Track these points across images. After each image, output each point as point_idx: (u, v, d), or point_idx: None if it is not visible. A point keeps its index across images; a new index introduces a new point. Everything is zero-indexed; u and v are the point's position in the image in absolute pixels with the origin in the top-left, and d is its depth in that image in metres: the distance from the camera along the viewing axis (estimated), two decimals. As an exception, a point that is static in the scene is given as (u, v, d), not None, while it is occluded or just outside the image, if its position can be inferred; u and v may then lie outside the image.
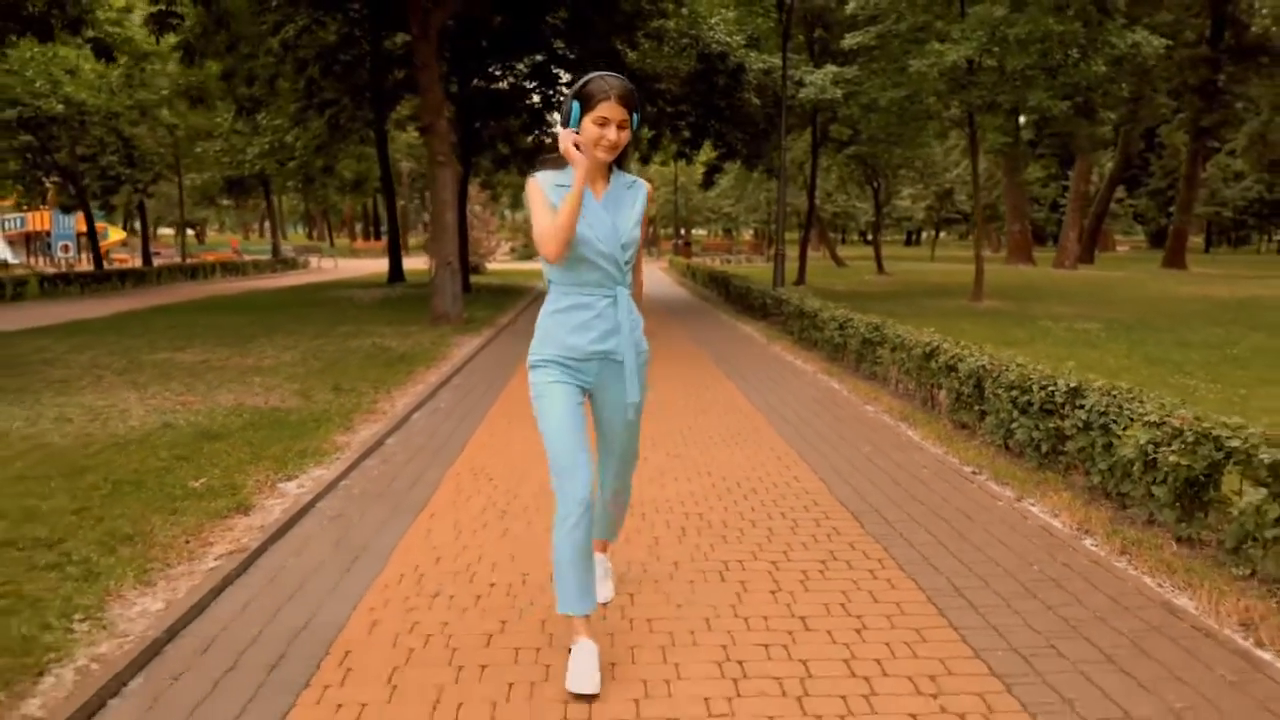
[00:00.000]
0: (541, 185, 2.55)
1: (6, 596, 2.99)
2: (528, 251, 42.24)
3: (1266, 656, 2.73)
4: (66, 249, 37.42)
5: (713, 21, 16.54)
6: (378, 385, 7.29)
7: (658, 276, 27.89)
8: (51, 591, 3.05)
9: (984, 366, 5.60)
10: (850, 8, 15.99)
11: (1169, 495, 3.76)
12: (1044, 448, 4.86)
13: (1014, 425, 5.14)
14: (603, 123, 2.47)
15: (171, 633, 2.83)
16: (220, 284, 23.81)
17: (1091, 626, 2.93)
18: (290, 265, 32.45)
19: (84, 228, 40.49)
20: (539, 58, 18.77)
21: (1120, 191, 52.51)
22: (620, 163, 2.65)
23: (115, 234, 44.58)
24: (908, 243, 77.26)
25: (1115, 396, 4.31)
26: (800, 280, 20.62)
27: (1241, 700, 2.46)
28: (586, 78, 2.53)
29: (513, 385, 7.56)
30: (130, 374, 7.89)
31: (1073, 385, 4.62)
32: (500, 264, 35.40)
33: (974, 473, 4.89)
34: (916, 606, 3.10)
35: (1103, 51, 14.71)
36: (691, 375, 8.20)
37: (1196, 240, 70.45)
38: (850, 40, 15.90)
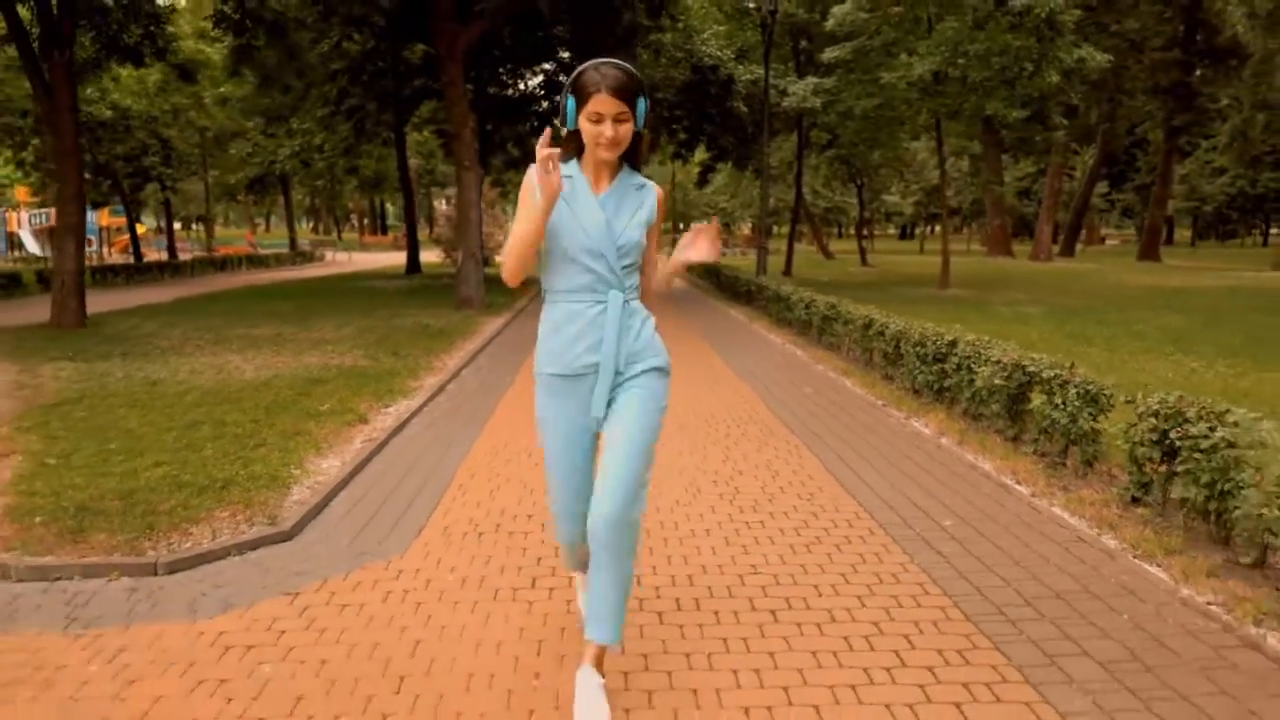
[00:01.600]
0: (534, 179, 2.22)
1: (244, 460, 4.78)
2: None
3: (1019, 489, 4.52)
4: (90, 243, 39.13)
5: (705, 36, 18.29)
6: (428, 351, 9.07)
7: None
8: (267, 458, 4.83)
9: (901, 330, 7.38)
10: (830, 25, 17.72)
11: (1000, 408, 5.55)
12: (935, 386, 6.65)
13: (917, 372, 6.93)
14: (597, 119, 2.25)
15: (349, 475, 4.61)
16: (248, 275, 25.56)
17: (925, 475, 4.73)
18: (307, 258, 34.19)
19: (105, 222, 42.04)
20: (547, 66, 20.51)
21: (1104, 186, 54.25)
22: (633, 159, 2.41)
23: (141, 227, 46.40)
24: (902, 237, 79.12)
25: (975, 345, 6.09)
26: (787, 271, 22.40)
27: (999, 510, 4.26)
28: (580, 68, 2.29)
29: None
30: (222, 344, 9.67)
31: (950, 339, 6.41)
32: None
33: (883, 405, 6.69)
34: (816, 471, 4.89)
35: (1054, 64, 16.45)
36: (680, 349, 9.97)
37: (1185, 234, 72.33)
38: (829, 54, 17.67)
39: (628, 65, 2.30)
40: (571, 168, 2.38)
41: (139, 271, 22.60)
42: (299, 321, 11.98)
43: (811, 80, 18.29)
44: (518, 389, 7.27)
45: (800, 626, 2.95)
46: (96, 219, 38.94)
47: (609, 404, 2.43)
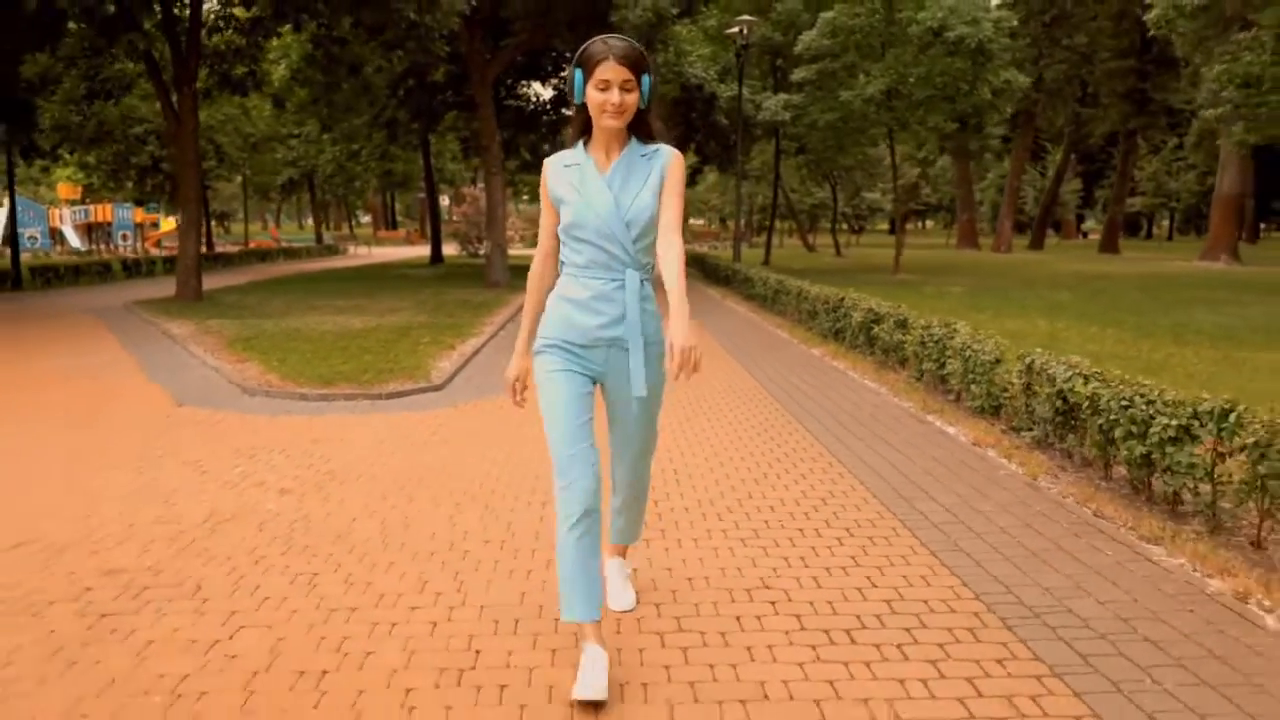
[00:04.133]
0: (547, 172, 2.46)
1: (394, 361, 7.90)
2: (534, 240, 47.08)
3: (854, 375, 7.66)
4: (125, 237, 42.27)
5: (692, 58, 21.38)
6: (476, 314, 12.20)
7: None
8: (407, 360, 7.95)
9: (815, 294, 10.51)
10: (798, 49, 20.82)
11: (863, 338, 8.68)
12: (832, 330, 9.77)
13: (824, 321, 10.06)
14: (604, 86, 2.29)
15: (458, 368, 7.75)
16: (287, 266, 28.66)
17: (810, 376, 7.88)
18: (333, 251, 37.30)
19: (139, 219, 44.96)
20: (555, 82, 23.60)
21: (1077, 183, 57.40)
22: (640, 132, 2.43)
23: (166, 224, 49.51)
24: (891, 231, 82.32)
25: (855, 301, 9.22)
26: (766, 261, 25.52)
27: (847, 390, 7.42)
28: (588, 42, 2.35)
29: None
30: (317, 310, 12.78)
31: (840, 297, 9.55)
32: (516, 250, 40.35)
33: (797, 342, 9.83)
34: (737, 371, 8.04)
35: (985, 84, 19.56)
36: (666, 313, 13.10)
37: (1165, 227, 75.41)
38: (797, 74, 20.78)
39: (630, 41, 2.33)
40: (578, 154, 2.43)
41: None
42: (365, 296, 15.11)
43: (782, 96, 21.41)
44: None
45: (688, 468, 6.07)
46: (132, 215, 42.15)
47: (603, 380, 2.53)
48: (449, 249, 33.08)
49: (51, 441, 5.32)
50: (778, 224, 51.39)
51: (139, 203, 37.59)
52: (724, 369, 8.06)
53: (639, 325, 2.45)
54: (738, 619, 2.88)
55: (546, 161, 2.51)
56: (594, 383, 2.53)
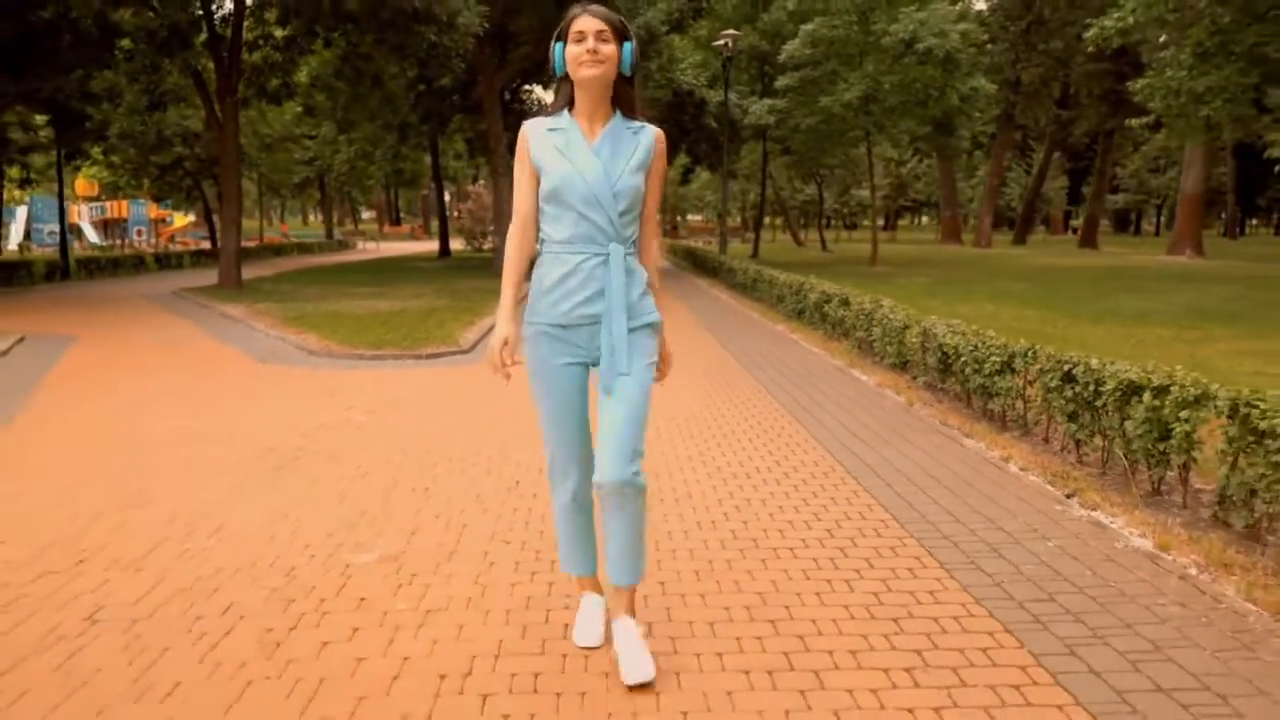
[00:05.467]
0: (529, 135, 2.40)
1: (427, 332, 9.57)
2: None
3: (813, 349, 9.34)
4: (140, 233, 43.93)
5: (683, 66, 23.02)
6: (488, 298, 13.85)
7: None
8: (439, 332, 9.62)
9: (792, 283, 12.17)
10: (782, 57, 22.46)
11: (818, 316, 10.35)
12: (796, 310, 11.44)
13: (790, 303, 11.72)
14: (580, 38, 2.28)
15: (480, 337, 9.42)
16: (304, 259, 30.31)
17: (773, 348, 9.56)
18: (344, 246, 38.96)
19: (154, 215, 46.49)
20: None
21: (1064, 181, 59.14)
22: (624, 106, 2.41)
23: (180, 220, 51.15)
24: (885, 227, 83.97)
25: (812, 285, 10.89)
26: (754, 254, 27.18)
27: (809, 360, 9.11)
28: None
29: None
30: (349, 296, 14.43)
31: (801, 281, 11.22)
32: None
33: (768, 322, 11.50)
34: (711, 343, 9.71)
35: (953, 91, 21.19)
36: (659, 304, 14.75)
37: (1156, 223, 77.08)
38: (781, 82, 22.42)
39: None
40: (564, 119, 2.37)
41: (213, 258, 27.31)
42: (386, 285, 16.78)
43: (767, 102, 23.07)
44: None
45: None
46: (147, 211, 43.79)
47: (596, 363, 2.41)
48: (455, 244, 34.75)
49: (189, 386, 6.98)
50: (772, 220, 53.20)
51: (157, 199, 39.15)
52: (701, 341, 9.73)
53: (622, 301, 2.35)
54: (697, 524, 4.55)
55: (526, 124, 2.43)
56: (587, 367, 2.46)
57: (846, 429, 5.52)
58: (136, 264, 22.15)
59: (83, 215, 44.70)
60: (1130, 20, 13.08)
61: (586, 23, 2.30)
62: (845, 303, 9.41)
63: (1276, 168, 13.11)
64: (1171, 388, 3.99)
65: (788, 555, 3.37)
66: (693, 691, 2.38)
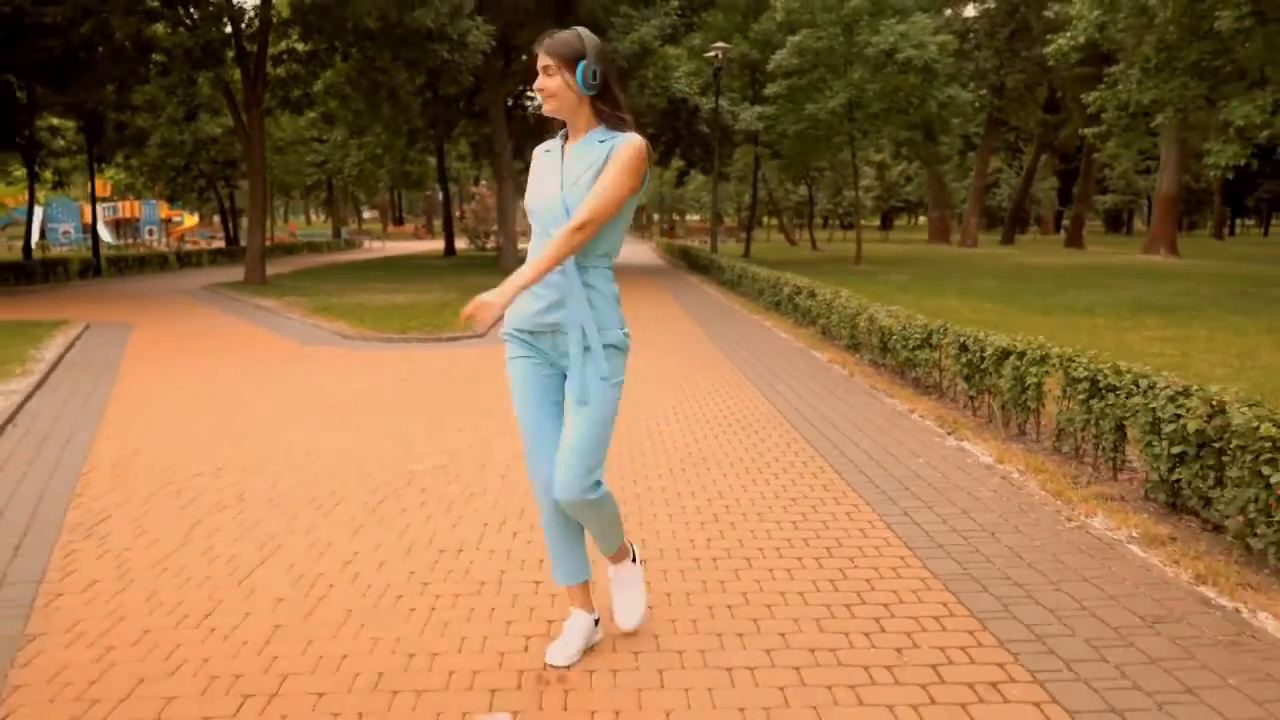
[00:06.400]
0: (533, 158, 2.58)
1: (445, 320, 10.85)
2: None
3: (782, 334, 10.62)
4: (151, 232, 45.25)
5: (678, 75, 24.30)
6: (495, 293, 15.14)
7: (647, 254, 35.75)
8: (451, 320, 10.89)
9: (769, 278, 13.46)
10: (771, 66, 23.73)
11: (790, 306, 11.63)
12: (773, 301, 12.71)
13: (768, 295, 13.00)
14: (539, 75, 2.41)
15: (493, 324, 10.69)
16: (315, 258, 31.59)
17: (779, 355, 10.84)
18: (350, 245, 40.25)
19: (164, 215, 47.64)
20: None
21: (1054, 181, 60.43)
22: (607, 119, 2.45)
23: (189, 220, 52.54)
24: (881, 227, 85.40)
25: (787, 279, 12.16)
26: (746, 253, 28.46)
27: (778, 345, 10.39)
28: None
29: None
30: (367, 290, 15.69)
31: (779, 277, 12.50)
32: (524, 244, 43.39)
33: (747, 313, 12.78)
34: (696, 330, 10.99)
35: (932, 99, 22.46)
36: (651, 296, 16.02)
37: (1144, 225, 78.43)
38: (769, 89, 23.71)
39: (575, 30, 2.44)
40: (556, 141, 2.52)
41: (229, 255, 28.61)
42: (399, 281, 18.06)
43: (756, 108, 24.35)
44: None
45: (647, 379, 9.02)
46: (157, 212, 45.12)
47: (567, 377, 2.48)
48: (459, 243, 36.03)
49: (247, 360, 8.26)
50: (769, 220, 54.57)
51: (169, 200, 40.44)
52: (687, 329, 11.01)
53: (580, 312, 2.41)
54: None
55: (537, 150, 2.60)
56: (561, 376, 2.55)
57: (794, 392, 6.80)
58: (161, 262, 23.43)
59: (97, 215, 45.86)
60: (1081, 39, 14.34)
61: (540, 60, 2.41)
62: (812, 294, 10.69)
63: (1212, 173, 14.32)
64: (1027, 352, 5.27)
65: (731, 472, 4.65)
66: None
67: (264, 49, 15.96)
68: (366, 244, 43.68)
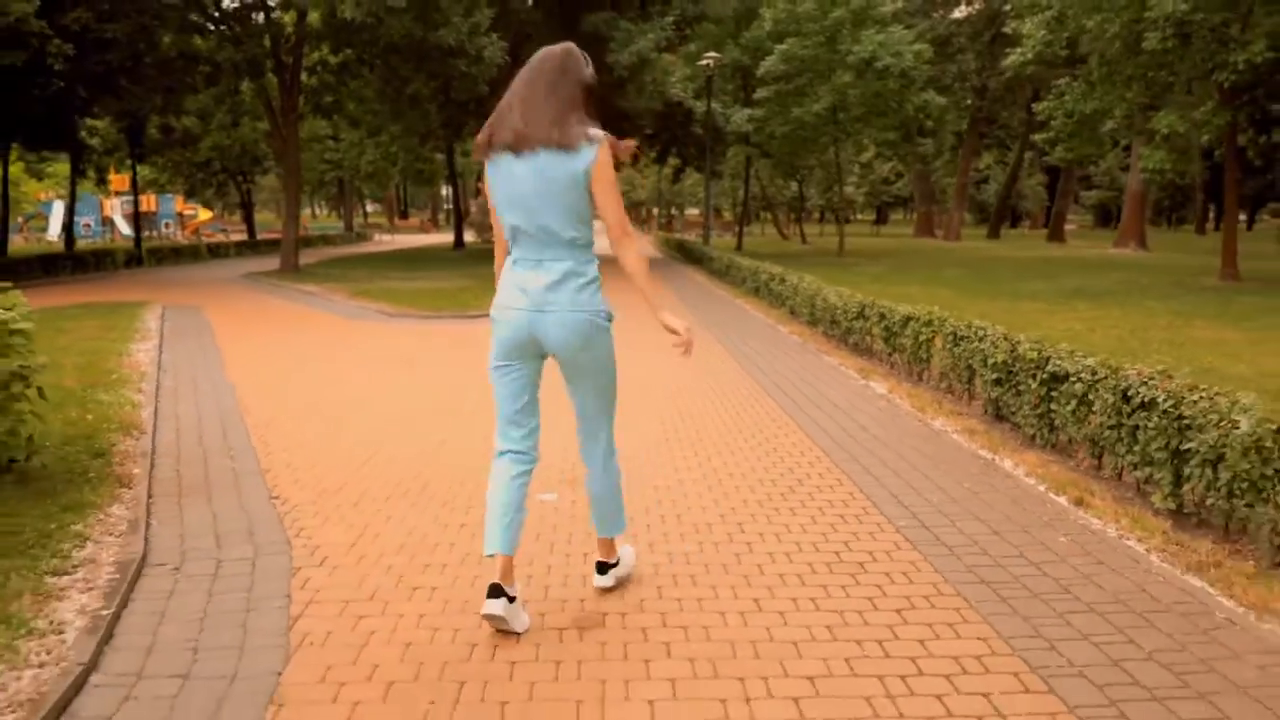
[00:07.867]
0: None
1: (468, 301, 12.68)
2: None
3: (758, 313, 12.45)
4: (168, 225, 47.04)
5: (673, 80, 26.09)
6: (508, 281, 16.96)
7: (647, 247, 37.54)
8: (473, 301, 12.72)
9: (745, 266, 15.28)
10: (760, 72, 25.54)
11: (766, 292, 13.46)
12: (754, 288, 14.53)
13: (750, 284, 14.83)
14: None
15: (509, 308, 12.52)
16: (332, 250, 33.35)
17: (750, 329, 12.68)
18: (362, 238, 42.03)
19: (180, 209, 49.34)
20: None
21: (1042, 177, 62.21)
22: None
23: (204, 214, 54.32)
24: (876, 222, 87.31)
25: (764, 267, 13.98)
26: (739, 247, 30.28)
27: (754, 325, 12.24)
28: None
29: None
30: (390, 278, 17.48)
31: (759, 265, 14.33)
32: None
33: (734, 299, 14.60)
34: (696, 328, 12.83)
35: (909, 103, 24.28)
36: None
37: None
38: (759, 94, 25.52)
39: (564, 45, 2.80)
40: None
41: (251, 247, 30.40)
42: (417, 270, 19.88)
43: (747, 111, 26.18)
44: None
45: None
46: (174, 205, 46.90)
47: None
48: (468, 236, 37.82)
49: (310, 333, 10.08)
50: (763, 215, 56.40)
51: (189, 195, 42.19)
52: (677, 310, 12.84)
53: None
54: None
55: None
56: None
57: (756, 353, 8.65)
58: (194, 253, 25.24)
59: (115, 208, 47.66)
60: (1030, 56, 16.14)
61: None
62: (782, 280, 12.52)
63: (1143, 174, 16.13)
64: (922, 317, 7.11)
65: (701, 400, 6.50)
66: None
67: (299, 61, 17.74)
68: (377, 237, 45.44)
